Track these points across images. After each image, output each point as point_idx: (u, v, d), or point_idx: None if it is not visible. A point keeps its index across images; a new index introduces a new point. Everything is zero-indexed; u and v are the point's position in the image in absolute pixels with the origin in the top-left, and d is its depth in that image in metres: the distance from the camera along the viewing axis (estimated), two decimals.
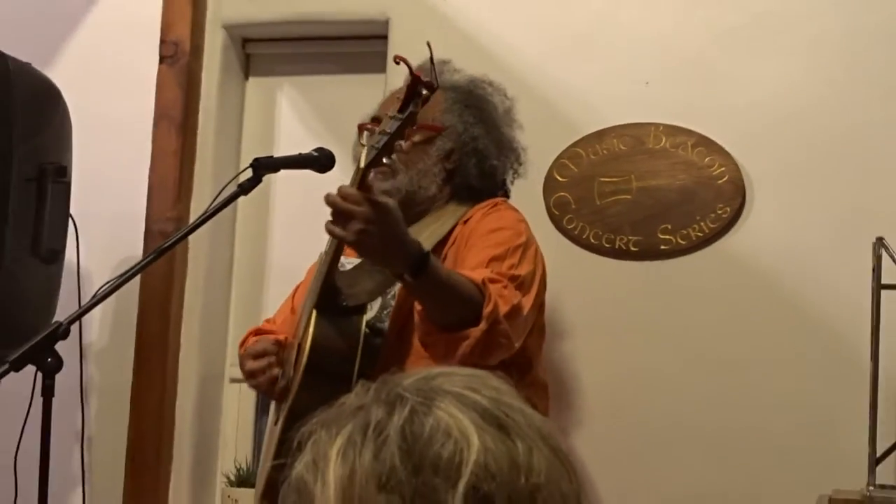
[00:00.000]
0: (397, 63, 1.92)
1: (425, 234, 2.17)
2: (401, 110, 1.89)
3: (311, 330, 2.02)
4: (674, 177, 2.62)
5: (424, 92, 1.88)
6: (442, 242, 2.19)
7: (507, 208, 2.27)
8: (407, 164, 2.21)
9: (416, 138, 2.21)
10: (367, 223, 1.86)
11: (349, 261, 2.17)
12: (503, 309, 1.97)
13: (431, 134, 2.24)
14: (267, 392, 2.18)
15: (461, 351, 1.95)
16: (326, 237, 2.00)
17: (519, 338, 2.04)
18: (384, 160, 1.90)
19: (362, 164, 1.89)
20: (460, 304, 1.95)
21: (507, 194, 2.35)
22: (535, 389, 2.22)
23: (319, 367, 2.00)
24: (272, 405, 2.24)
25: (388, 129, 1.88)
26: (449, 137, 2.25)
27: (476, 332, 1.94)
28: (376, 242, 1.89)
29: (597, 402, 2.62)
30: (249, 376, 2.17)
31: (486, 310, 1.94)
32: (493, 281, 2.00)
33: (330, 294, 2.05)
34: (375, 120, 2.18)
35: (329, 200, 1.89)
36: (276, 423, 2.15)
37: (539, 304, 2.19)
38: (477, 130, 2.27)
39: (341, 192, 1.89)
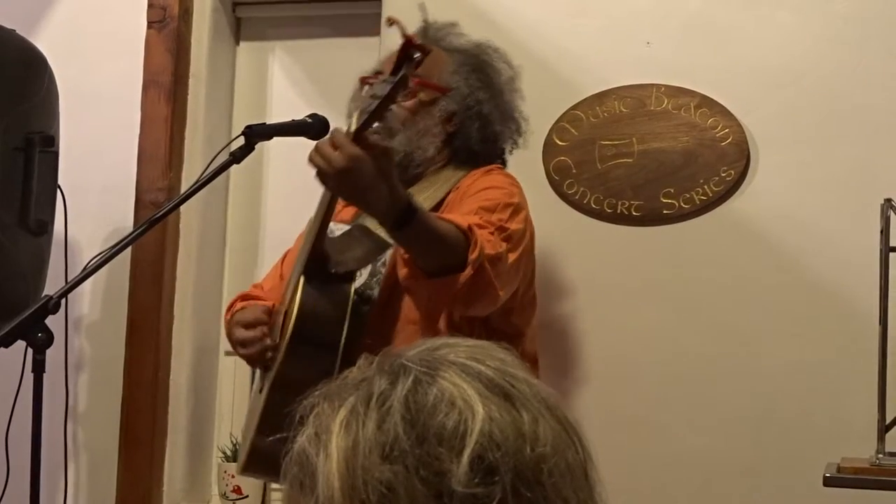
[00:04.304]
0: (389, 25, 1.89)
1: (420, 199, 2.14)
2: (393, 73, 1.86)
3: (298, 297, 1.99)
4: (676, 139, 2.58)
5: (417, 55, 1.84)
6: (435, 209, 2.16)
7: (501, 173, 2.25)
8: (406, 124, 2.18)
9: (422, 96, 2.19)
10: (340, 171, 1.82)
11: (338, 227, 2.15)
12: (488, 253, 1.94)
13: (436, 94, 2.21)
14: (258, 362, 2.15)
15: (445, 296, 1.93)
16: None
17: (504, 287, 2.01)
18: (375, 124, 1.87)
19: (353, 128, 1.86)
20: (446, 252, 1.92)
21: (503, 164, 2.32)
22: (524, 361, 2.17)
23: (306, 335, 1.97)
24: (257, 372, 2.21)
25: (380, 92, 1.86)
26: (453, 99, 2.22)
27: (461, 277, 1.90)
28: (351, 189, 1.86)
29: (599, 368, 2.59)
30: (240, 345, 2.14)
31: (472, 256, 1.91)
32: (480, 227, 1.97)
33: (318, 261, 2.02)
34: (379, 73, 2.16)
35: (316, 146, 1.86)
36: (260, 390, 2.12)
37: (525, 267, 2.17)
38: (482, 95, 2.25)
39: (332, 136, 1.86)
